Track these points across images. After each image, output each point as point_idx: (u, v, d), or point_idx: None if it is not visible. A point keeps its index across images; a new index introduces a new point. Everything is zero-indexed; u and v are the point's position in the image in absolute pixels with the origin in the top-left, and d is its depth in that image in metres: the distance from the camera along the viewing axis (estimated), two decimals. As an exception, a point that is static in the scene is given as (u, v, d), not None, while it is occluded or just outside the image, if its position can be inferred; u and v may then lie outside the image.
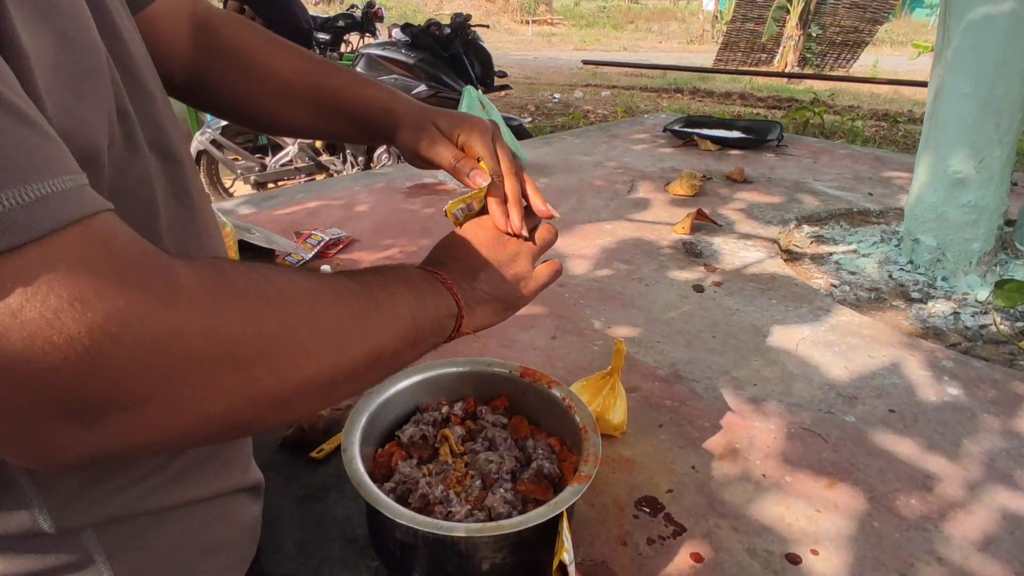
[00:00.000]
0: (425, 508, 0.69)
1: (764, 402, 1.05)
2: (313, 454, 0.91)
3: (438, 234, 1.70)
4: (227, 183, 3.90)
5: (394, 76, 3.37)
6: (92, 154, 0.36)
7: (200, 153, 3.67)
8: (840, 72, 9.99)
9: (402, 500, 0.71)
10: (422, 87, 3.34)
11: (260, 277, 0.38)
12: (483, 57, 3.52)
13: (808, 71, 9.90)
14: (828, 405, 1.04)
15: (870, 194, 2.09)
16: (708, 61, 10.87)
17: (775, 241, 1.70)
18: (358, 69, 3.45)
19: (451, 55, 3.39)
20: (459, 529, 0.61)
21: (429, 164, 0.65)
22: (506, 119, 3.58)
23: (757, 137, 2.65)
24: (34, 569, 0.44)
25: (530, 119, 6.52)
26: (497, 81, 3.74)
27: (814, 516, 0.82)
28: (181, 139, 0.50)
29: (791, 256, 1.70)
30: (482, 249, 0.60)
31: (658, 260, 1.58)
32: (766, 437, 0.96)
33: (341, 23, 6.54)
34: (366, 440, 0.77)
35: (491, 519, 0.68)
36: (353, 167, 3.51)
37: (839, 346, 1.21)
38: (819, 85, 8.33)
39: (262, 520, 0.61)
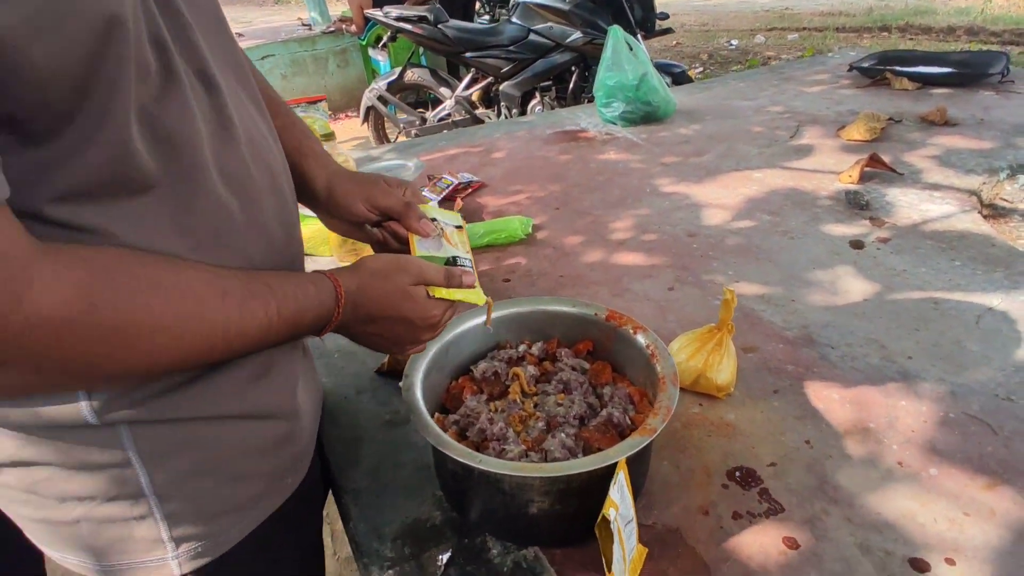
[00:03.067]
0: (481, 443, 0.67)
1: (919, 379, 0.86)
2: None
3: (569, 180, 1.67)
4: (391, 136, 4.15)
5: (549, 24, 3.28)
6: (117, 19, 0.38)
7: (368, 109, 3.93)
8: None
9: (462, 433, 0.69)
10: (577, 34, 3.21)
11: (116, 269, 0.41)
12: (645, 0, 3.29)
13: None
14: (1009, 391, 0.83)
15: None
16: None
17: (975, 193, 1.39)
18: (514, 18, 3.42)
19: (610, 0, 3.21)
20: (488, 463, 0.57)
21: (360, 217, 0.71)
22: (666, 65, 3.34)
23: (973, 71, 2.17)
24: (82, 461, 0.49)
25: (700, 68, 6.06)
26: (659, 24, 3.48)
27: (959, 520, 0.66)
28: (227, 69, 0.51)
29: (995, 212, 1.38)
30: (391, 308, 0.59)
31: (811, 212, 1.36)
32: (912, 420, 0.79)
33: (511, -23, 6.55)
34: (439, 371, 0.76)
35: (545, 461, 0.63)
36: (507, 119, 3.53)
37: (1042, 321, 0.96)
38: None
39: (342, 440, 0.65)
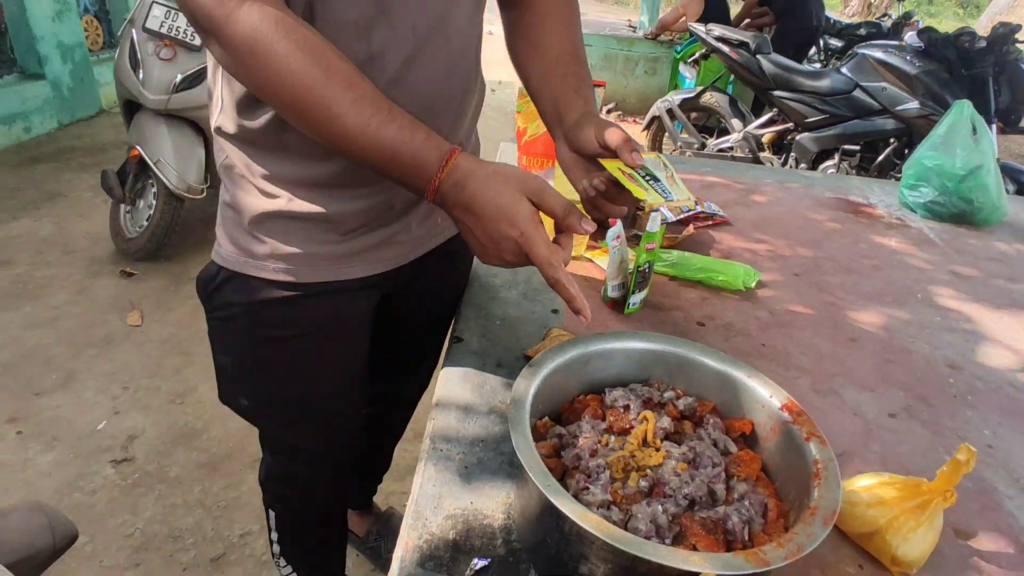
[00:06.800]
0: (571, 470, 0.59)
1: None
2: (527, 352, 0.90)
3: (826, 251, 1.45)
4: (666, 151, 4.06)
5: (883, 84, 2.85)
6: None
7: (654, 118, 3.89)
8: None
9: (559, 449, 0.62)
10: (913, 103, 2.74)
11: (283, 38, 0.57)
12: (1018, 84, 2.67)
13: None
14: None
15: None
16: None
17: None
18: (844, 69, 3.05)
19: (973, 75, 2.68)
20: (570, 517, 0.48)
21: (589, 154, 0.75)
22: (1011, 169, 2.70)
23: None
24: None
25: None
26: (1029, 120, 2.82)
27: None
28: None
29: None
30: (494, 220, 0.61)
31: None
32: None
33: (862, 31, 5.92)
34: (572, 379, 0.69)
35: (624, 525, 0.53)
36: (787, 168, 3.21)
37: None
38: None
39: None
